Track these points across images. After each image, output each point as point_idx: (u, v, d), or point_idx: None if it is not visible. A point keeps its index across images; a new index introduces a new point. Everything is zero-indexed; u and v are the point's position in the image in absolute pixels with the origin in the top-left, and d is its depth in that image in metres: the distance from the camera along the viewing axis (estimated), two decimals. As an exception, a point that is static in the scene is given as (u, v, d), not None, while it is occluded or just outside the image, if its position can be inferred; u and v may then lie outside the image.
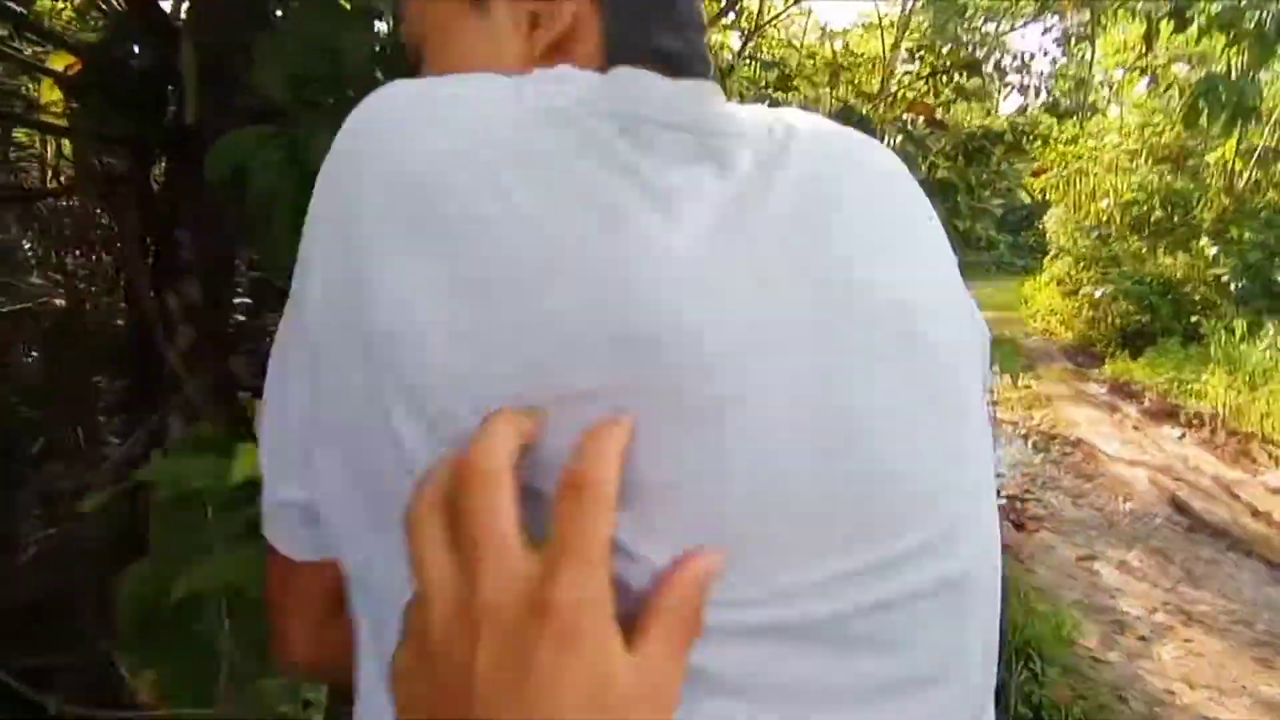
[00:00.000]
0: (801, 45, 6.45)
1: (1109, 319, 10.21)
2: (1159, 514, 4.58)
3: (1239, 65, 3.27)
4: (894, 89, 6.30)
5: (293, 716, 1.26)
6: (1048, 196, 14.74)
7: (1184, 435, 6.34)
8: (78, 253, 2.15)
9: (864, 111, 4.58)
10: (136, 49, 1.59)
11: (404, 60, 0.56)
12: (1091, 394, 7.93)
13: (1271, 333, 7.72)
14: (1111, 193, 10.97)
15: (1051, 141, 12.47)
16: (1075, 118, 6.12)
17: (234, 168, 1.05)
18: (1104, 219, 11.22)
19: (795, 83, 5.50)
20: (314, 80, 1.33)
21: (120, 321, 1.99)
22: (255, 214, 1.13)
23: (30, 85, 1.84)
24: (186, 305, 1.49)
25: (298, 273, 0.37)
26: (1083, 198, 12.00)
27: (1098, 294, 10.48)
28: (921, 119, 4.71)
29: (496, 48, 0.45)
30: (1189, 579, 3.65)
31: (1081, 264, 11.59)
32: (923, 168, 4.97)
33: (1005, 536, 4.04)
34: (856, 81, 7.84)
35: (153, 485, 0.98)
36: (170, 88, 1.49)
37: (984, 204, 4.44)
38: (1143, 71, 4.47)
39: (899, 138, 4.67)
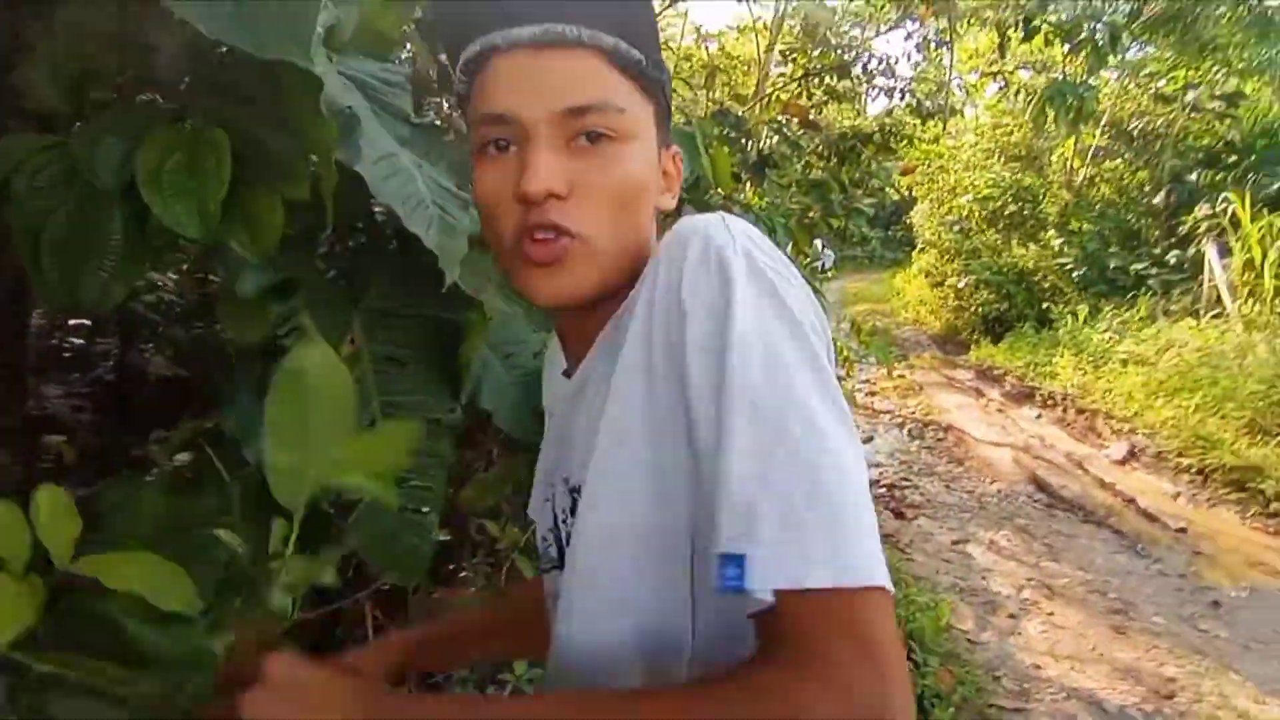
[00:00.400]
0: (678, 48, 6.48)
1: (972, 308, 10.93)
2: (1022, 492, 4.90)
3: (1077, 72, 3.53)
4: (768, 90, 6.45)
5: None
6: (914, 193, 15.64)
7: (1040, 415, 6.85)
8: None
9: (739, 113, 4.64)
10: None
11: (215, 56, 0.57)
12: (959, 380, 8.44)
13: (1110, 316, 8.49)
14: (970, 189, 11.75)
15: (916, 141, 13.25)
16: (936, 119, 6.48)
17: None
18: (964, 214, 12.00)
19: (673, 85, 5.49)
20: (97, 80, 1.14)
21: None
22: (21, 239, 0.94)
23: None
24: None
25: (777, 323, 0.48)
26: (944, 194, 12.82)
27: (960, 284, 11.21)
28: (795, 120, 4.83)
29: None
30: (1050, 553, 3.91)
31: (945, 256, 12.34)
32: (798, 167, 5.11)
33: (886, 525, 4.19)
34: (732, 84, 8.01)
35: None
36: None
37: (856, 202, 4.59)
38: (994, 76, 4.78)
39: (774, 139, 4.77)
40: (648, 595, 0.53)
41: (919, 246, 15.20)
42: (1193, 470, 5.04)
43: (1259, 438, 5.07)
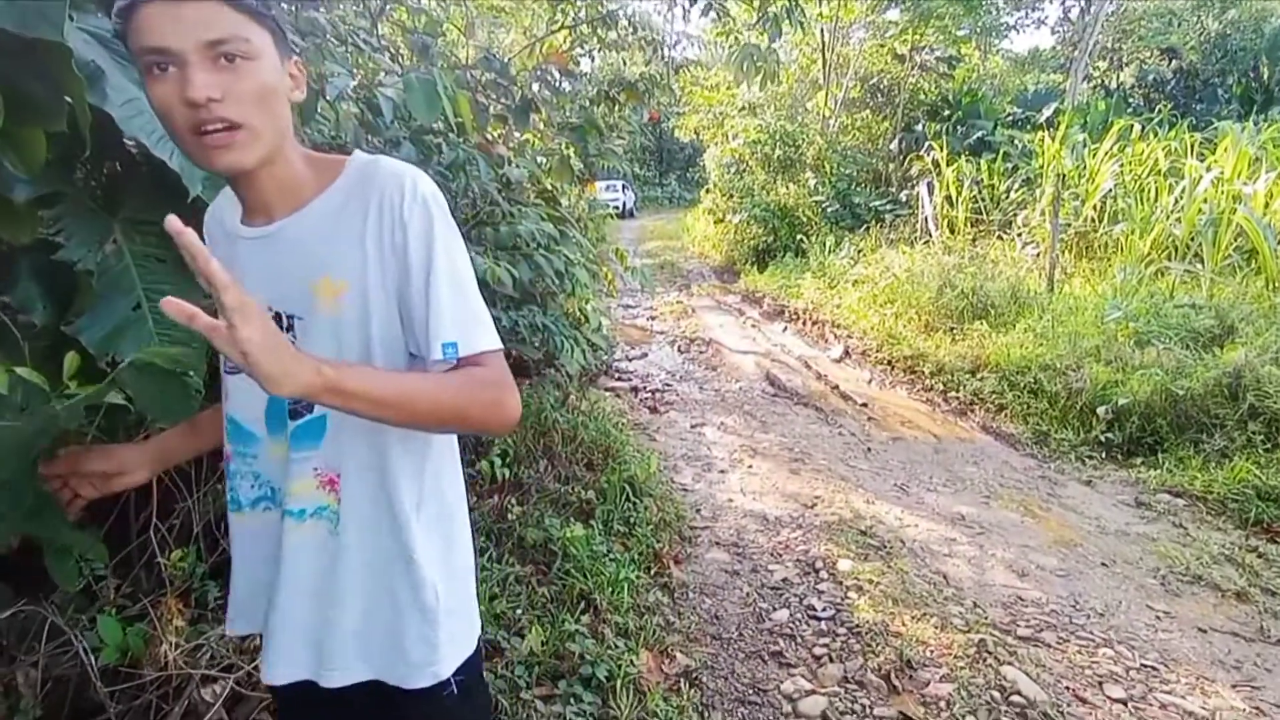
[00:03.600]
0: (447, -7, 6.64)
1: (744, 241, 12.20)
2: (757, 388, 5.94)
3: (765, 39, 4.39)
4: (538, 39, 6.84)
5: None
6: (701, 137, 16.68)
7: (786, 328, 8.08)
8: None
9: (504, 61, 5.04)
10: None
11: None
12: (727, 303, 9.59)
13: (848, 244, 9.97)
14: (743, 133, 12.92)
15: (698, 89, 14.19)
16: (684, 70, 7.26)
17: None
18: (738, 156, 13.18)
19: (444, 29, 5.76)
20: None
21: None
22: None
23: None
24: None
25: (450, 234, 0.91)
26: (723, 138, 13.94)
27: (735, 220, 12.44)
28: (556, 68, 5.31)
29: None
30: (763, 427, 4.91)
31: (724, 195, 13.54)
32: (568, 111, 5.62)
33: (642, 418, 4.98)
34: (522, 25, 8.25)
35: None
36: None
37: (610, 145, 5.20)
38: (724, 35, 5.58)
39: (537, 86, 5.23)
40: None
41: (706, 188, 16.38)
42: (884, 361, 6.37)
43: (928, 333, 6.49)
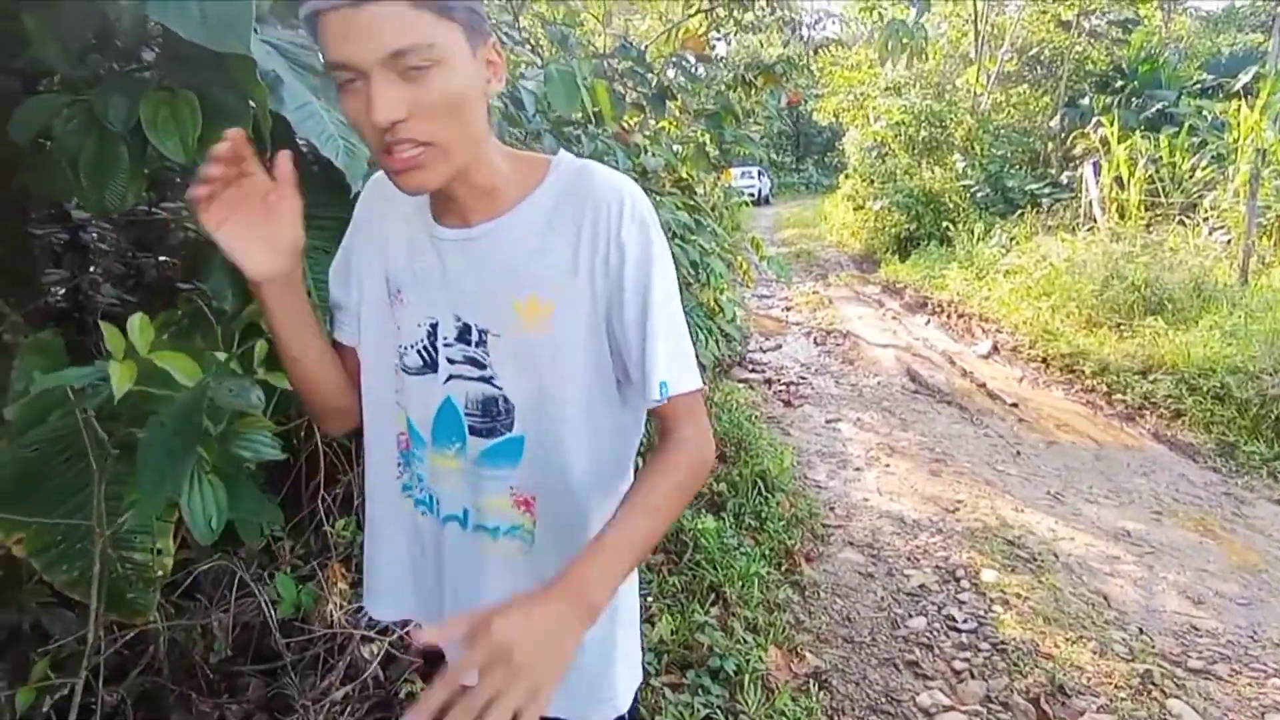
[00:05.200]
0: (589, -18, 6.75)
1: (885, 229, 11.66)
2: (896, 383, 5.67)
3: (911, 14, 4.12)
4: (676, 23, 6.82)
5: (144, 561, 1.64)
6: (841, 120, 16.10)
7: (929, 321, 7.66)
8: None
9: (641, 47, 5.06)
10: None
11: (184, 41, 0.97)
12: (866, 294, 9.21)
13: (999, 232, 9.30)
14: (885, 115, 12.33)
15: (838, 69, 13.68)
16: (824, 50, 6.96)
17: (35, 130, 1.37)
18: (879, 139, 12.60)
19: (581, 19, 5.87)
20: (93, 52, 1.62)
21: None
22: (60, 169, 1.45)
23: None
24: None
25: (665, 258, 0.86)
26: (864, 120, 13.37)
27: (876, 206, 11.90)
28: (692, 54, 5.27)
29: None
30: (902, 425, 4.68)
31: (865, 181, 12.99)
32: (705, 96, 5.58)
33: (775, 411, 4.89)
34: (658, 10, 8.25)
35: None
36: None
37: (746, 131, 5.12)
38: (870, 11, 5.29)
39: (673, 72, 5.22)
40: (599, 402, 0.89)
41: (846, 173, 15.81)
42: (1038, 359, 5.89)
43: (1090, 330, 5.93)
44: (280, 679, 1.96)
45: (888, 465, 4.00)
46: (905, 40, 3.90)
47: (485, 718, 0.58)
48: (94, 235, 2.49)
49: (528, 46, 5.23)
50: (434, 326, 0.89)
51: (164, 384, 1.24)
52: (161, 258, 2.32)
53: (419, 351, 0.91)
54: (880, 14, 5.01)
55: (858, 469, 3.98)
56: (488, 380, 0.87)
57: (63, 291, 2.48)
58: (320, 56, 0.83)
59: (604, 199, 0.82)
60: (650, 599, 2.48)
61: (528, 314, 0.84)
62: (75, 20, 1.54)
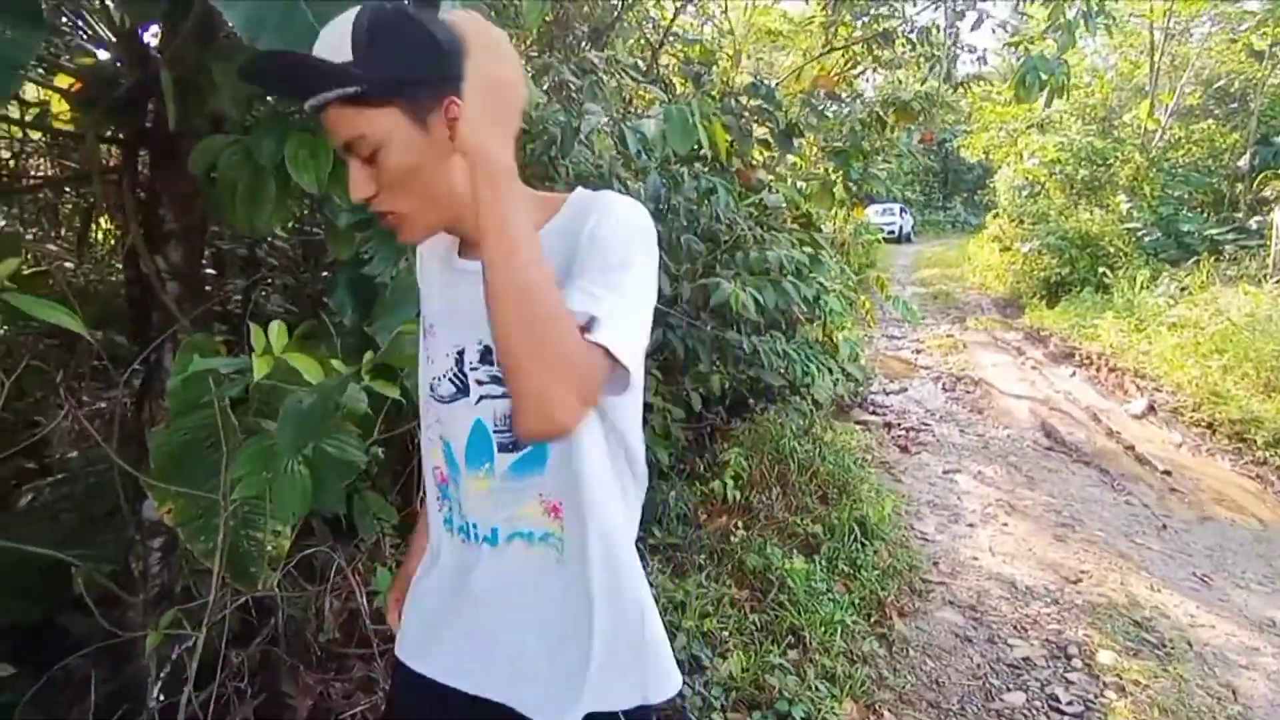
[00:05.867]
0: (726, 19, 6.90)
1: (1034, 272, 10.92)
2: (1028, 437, 5.29)
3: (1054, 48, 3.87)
4: (810, 60, 6.81)
5: (263, 540, 1.84)
6: (991, 157, 15.34)
7: (1075, 373, 7.08)
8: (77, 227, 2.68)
9: (771, 85, 5.11)
10: (122, 69, 2.09)
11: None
12: (1006, 340, 8.65)
13: (1167, 280, 8.47)
14: (1039, 152, 11.61)
15: (988, 104, 13.07)
16: (965, 85, 6.67)
17: (208, 164, 1.62)
18: (1031, 177, 11.87)
19: (717, 57, 5.98)
20: (257, 100, 1.89)
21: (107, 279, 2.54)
22: (223, 196, 1.69)
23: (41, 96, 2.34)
24: (171, 265, 2.03)
25: (651, 261, 0.87)
26: (1015, 158, 12.65)
27: (1024, 249, 11.19)
28: (823, 92, 5.25)
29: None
30: (1029, 483, 4.35)
31: (1014, 221, 12.26)
32: (837, 133, 5.53)
33: (890, 457, 4.72)
34: (801, 48, 8.25)
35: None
36: (149, 100, 2.00)
37: (875, 169, 5.01)
38: (1015, 46, 5.02)
39: (804, 110, 5.21)
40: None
41: (994, 211, 15.00)
42: (1201, 423, 5.29)
43: (1268, 394, 5.26)
44: (370, 664, 2.13)
45: (1005, 524, 3.74)
46: (1045, 79, 3.69)
47: None
48: (265, 251, 2.86)
49: (660, 85, 5.41)
50: (460, 353, 0.95)
51: (293, 381, 1.42)
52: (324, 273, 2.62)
53: (450, 379, 0.97)
54: (1027, 48, 4.75)
55: (971, 525, 3.74)
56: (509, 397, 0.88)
57: (238, 298, 2.84)
58: None
59: (602, 211, 0.86)
60: (727, 633, 2.46)
61: None
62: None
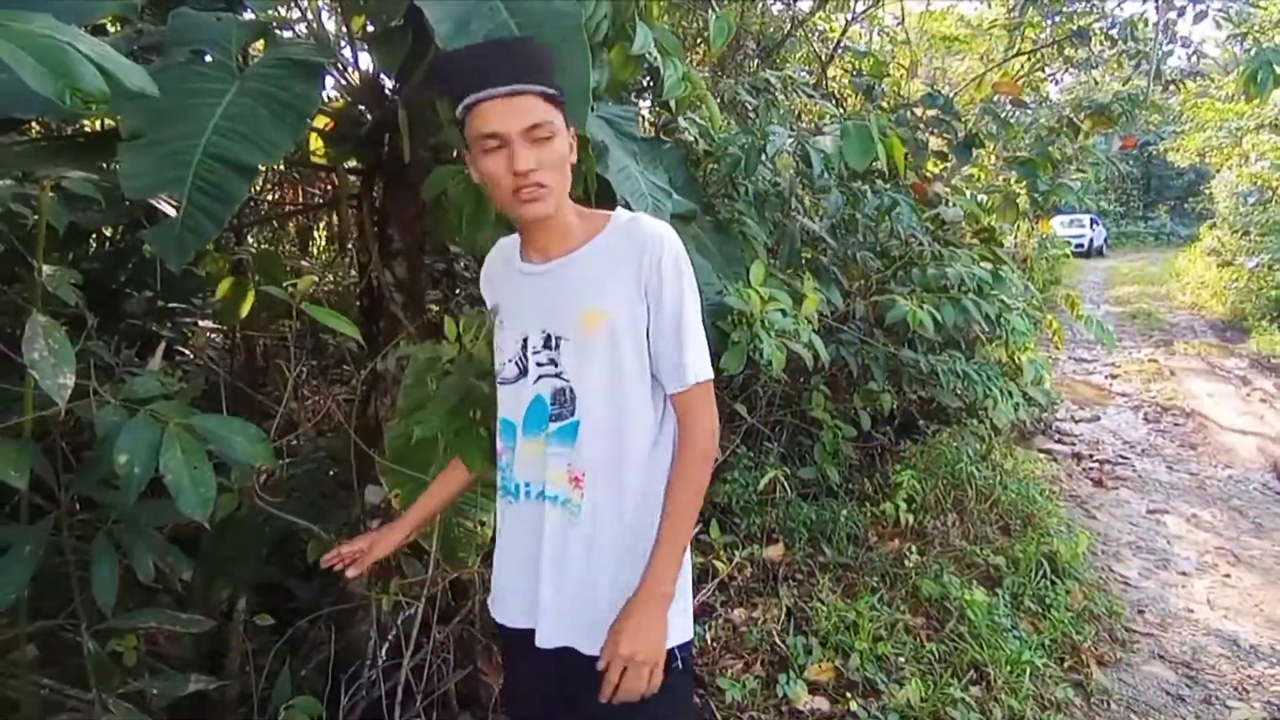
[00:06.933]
0: (901, 27, 6.68)
1: (1263, 291, 9.56)
2: (1256, 479, 4.64)
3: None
4: (1003, 58, 6.39)
5: (472, 527, 2.03)
6: (1208, 160, 13.70)
7: (1315, 407, 6.12)
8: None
9: (948, 95, 4.88)
10: (366, 111, 2.41)
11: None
12: (1226, 368, 7.63)
13: None
14: (1268, 154, 10.19)
15: (1205, 100, 11.67)
16: (1176, 84, 5.91)
17: (438, 191, 1.83)
18: (1260, 182, 10.43)
19: (889, 69, 5.79)
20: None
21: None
22: (451, 217, 1.91)
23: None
24: (397, 279, 2.30)
25: (692, 287, 1.15)
26: (1238, 160, 11.17)
27: (1250, 264, 9.83)
28: (1007, 99, 4.94)
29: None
30: (1256, 531, 3.81)
31: (1237, 232, 10.82)
32: (1017, 144, 5.19)
33: (1081, 490, 4.34)
34: (978, 52, 7.80)
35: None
36: (385, 135, 2.28)
37: (1066, 179, 4.64)
38: (1240, 37, 4.40)
39: (985, 119, 4.92)
40: (636, 393, 1.15)
41: (1211, 221, 13.36)
42: None
43: None
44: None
45: (1227, 576, 3.31)
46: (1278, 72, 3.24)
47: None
48: (462, 265, 3.16)
49: (832, 100, 5.35)
50: (524, 340, 1.18)
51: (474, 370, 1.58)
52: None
53: (514, 363, 1.20)
54: (1256, 39, 4.21)
55: (1184, 573, 3.35)
56: (559, 375, 1.15)
57: (435, 309, 3.15)
58: (474, 129, 1.09)
59: (650, 240, 1.12)
60: (902, 659, 2.38)
61: (588, 323, 1.12)
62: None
